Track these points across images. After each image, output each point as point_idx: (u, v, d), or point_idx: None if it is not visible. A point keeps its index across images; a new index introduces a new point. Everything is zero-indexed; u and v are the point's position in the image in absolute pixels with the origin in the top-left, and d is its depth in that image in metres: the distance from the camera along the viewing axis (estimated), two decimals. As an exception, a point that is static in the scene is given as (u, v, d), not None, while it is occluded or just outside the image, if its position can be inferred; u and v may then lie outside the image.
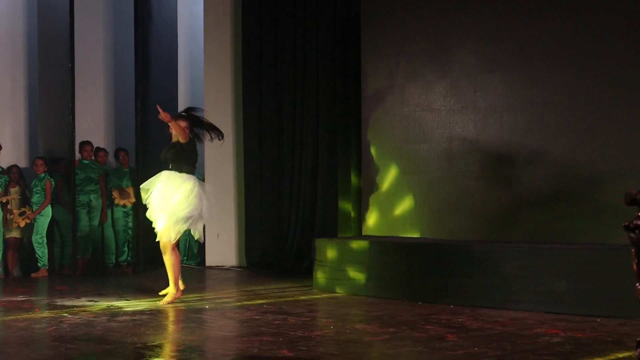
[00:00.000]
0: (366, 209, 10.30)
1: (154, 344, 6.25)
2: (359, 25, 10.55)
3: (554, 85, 8.68)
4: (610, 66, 8.26)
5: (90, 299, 8.82)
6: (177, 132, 8.52)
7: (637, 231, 3.63)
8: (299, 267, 11.36)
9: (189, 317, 7.72)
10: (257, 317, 7.54)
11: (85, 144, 12.09)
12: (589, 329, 6.75)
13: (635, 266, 3.77)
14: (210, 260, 12.72)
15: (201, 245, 13.02)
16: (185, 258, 13.06)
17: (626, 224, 3.66)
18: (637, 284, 3.78)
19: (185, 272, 12.05)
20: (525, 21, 8.88)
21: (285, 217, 11.86)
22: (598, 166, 8.35)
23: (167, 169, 8.76)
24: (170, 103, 12.91)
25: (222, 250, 12.68)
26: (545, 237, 8.52)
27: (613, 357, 5.58)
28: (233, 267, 12.45)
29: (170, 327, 7.00)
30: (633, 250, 3.72)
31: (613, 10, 8.28)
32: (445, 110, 9.47)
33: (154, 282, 10.49)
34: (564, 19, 8.61)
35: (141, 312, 7.90)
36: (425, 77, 9.66)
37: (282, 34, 11.89)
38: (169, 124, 8.56)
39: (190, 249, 13.23)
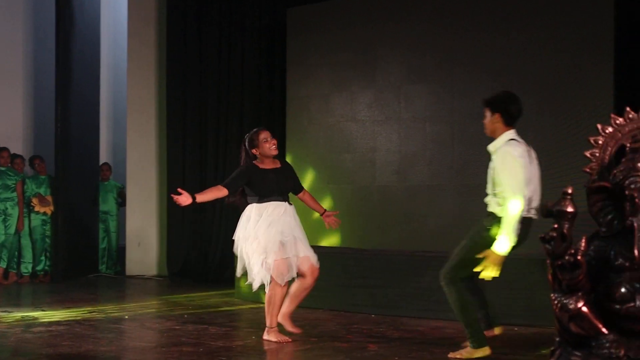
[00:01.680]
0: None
1: (70, 355, 6.10)
2: (285, 34, 10.52)
3: (477, 96, 8.75)
4: (534, 77, 8.38)
5: (4, 309, 8.58)
6: None
7: (552, 243, 3.68)
8: (221, 276, 11.27)
9: (107, 327, 7.56)
10: (177, 327, 7.43)
11: (1, 150, 11.81)
12: (506, 337, 6.81)
13: (550, 277, 3.82)
14: (131, 269, 12.52)
15: (121, 254, 12.84)
16: (103, 267, 12.83)
17: (542, 236, 3.70)
18: (552, 294, 3.82)
19: (105, 281, 11.92)
20: (449, 32, 8.97)
21: (207, 225, 11.75)
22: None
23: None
24: (92, 108, 12.73)
25: (143, 259, 12.50)
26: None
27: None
28: (154, 276, 12.28)
29: (88, 338, 6.84)
30: (548, 261, 3.77)
31: (536, 22, 8.41)
32: (369, 120, 9.50)
33: (72, 292, 10.28)
34: (487, 30, 8.72)
35: (57, 322, 7.71)
36: (349, 88, 9.67)
37: (207, 42, 11.81)
38: None
39: (110, 257, 12.99)
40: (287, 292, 6.87)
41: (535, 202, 5.78)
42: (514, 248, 5.66)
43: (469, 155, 8.81)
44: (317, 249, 9.47)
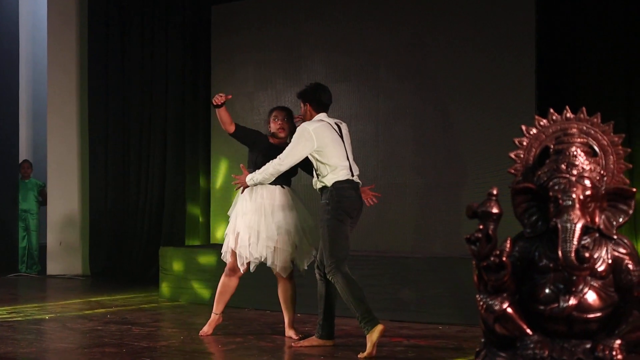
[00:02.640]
0: (214, 217, 10.19)
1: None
2: (209, 31, 10.43)
3: (401, 95, 8.84)
4: (458, 77, 8.47)
5: None
6: None
7: (477, 244, 3.71)
8: (145, 276, 11.13)
9: (27, 328, 7.40)
10: (99, 328, 7.32)
11: None
12: (431, 336, 6.88)
13: (475, 278, 3.86)
14: (52, 268, 12.28)
15: (42, 253, 12.61)
16: (23, 266, 12.57)
17: (467, 236, 3.74)
18: (477, 295, 3.86)
19: (25, 281, 11.68)
20: (373, 32, 9.01)
21: (131, 224, 11.60)
22: (444, 176, 8.54)
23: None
24: (11, 105, 12.47)
25: (65, 259, 12.27)
26: (392, 247, 8.65)
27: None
28: (76, 275, 12.07)
29: (6, 340, 6.69)
30: (474, 262, 3.81)
31: (459, 22, 8.50)
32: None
33: None
34: (412, 30, 8.79)
35: (-24, 323, 7.54)
36: (274, 86, 9.64)
37: (130, 38, 11.66)
38: None
39: (30, 256, 12.73)
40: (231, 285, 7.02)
41: (355, 167, 6.38)
42: (351, 215, 6.22)
43: (394, 154, 8.87)
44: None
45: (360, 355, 5.92)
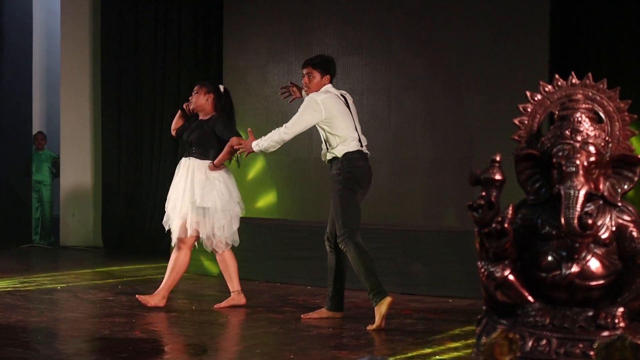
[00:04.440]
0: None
1: (-1, 325, 6.02)
2: (222, 4, 10.38)
3: (414, 68, 8.79)
4: (470, 51, 8.41)
5: None
6: None
7: (480, 211, 3.69)
8: (157, 248, 11.14)
9: (39, 298, 7.45)
10: (110, 298, 7.37)
11: None
12: (441, 309, 6.89)
13: (477, 245, 3.84)
14: (65, 239, 12.33)
15: (55, 224, 12.65)
16: (37, 237, 12.63)
17: (470, 203, 3.71)
18: (479, 262, 3.85)
19: (38, 252, 11.74)
20: (385, 4, 8.94)
21: (143, 197, 11.62)
22: (455, 150, 8.51)
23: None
24: (25, 76, 12.49)
25: (78, 230, 12.32)
26: (402, 220, 8.63)
27: (457, 333, 5.72)
28: (89, 247, 12.11)
29: (17, 309, 6.73)
30: (476, 229, 3.79)
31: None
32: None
33: (3, 262, 10.13)
34: (425, 4, 8.71)
35: (-7, 292, 7.60)
36: (286, 59, 9.60)
37: (143, 10, 11.61)
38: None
39: (43, 227, 12.79)
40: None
41: (363, 139, 6.41)
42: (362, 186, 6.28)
43: (406, 127, 8.84)
44: (253, 220, 9.51)
45: (369, 327, 5.93)
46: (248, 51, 9.90)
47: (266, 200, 9.82)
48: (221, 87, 7.16)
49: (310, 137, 9.28)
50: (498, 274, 3.73)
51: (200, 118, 7.06)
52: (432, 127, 8.69)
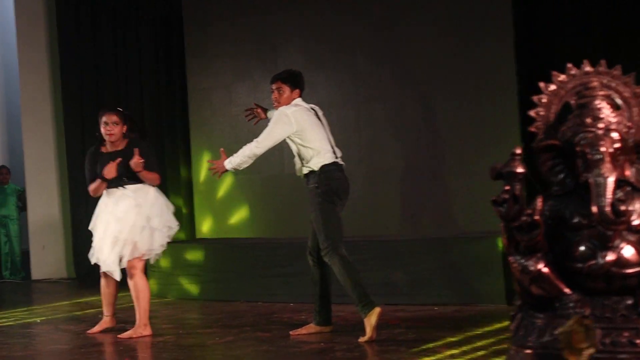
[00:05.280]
0: (199, 210, 10.13)
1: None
2: (182, 25, 10.34)
3: (380, 80, 8.82)
4: (434, 59, 8.46)
5: None
6: None
7: (505, 205, 3.64)
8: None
9: (19, 332, 7.34)
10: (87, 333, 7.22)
11: None
12: (428, 317, 6.90)
13: (505, 240, 3.78)
14: (37, 273, 12.17)
15: (25, 258, 12.49)
16: (7, 273, 12.44)
17: (494, 198, 3.66)
18: (510, 257, 3.79)
19: (10, 287, 11.57)
20: (348, 18, 8.96)
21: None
22: (427, 159, 8.55)
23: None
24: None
25: (49, 262, 12.17)
26: (379, 231, 8.64)
27: (452, 340, 5.72)
28: (61, 279, 11.97)
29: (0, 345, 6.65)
30: (502, 224, 3.72)
31: (437, 7, 8.48)
32: (273, 109, 9.42)
33: None
34: (387, 14, 8.75)
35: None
36: (252, 77, 9.59)
37: (101, 37, 11.51)
38: None
39: (13, 262, 12.59)
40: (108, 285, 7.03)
41: (338, 150, 6.45)
42: (340, 197, 6.34)
43: (376, 139, 8.86)
44: (227, 240, 9.49)
45: (361, 340, 5.92)
46: (212, 71, 9.87)
47: (239, 219, 9.78)
48: (123, 111, 7.05)
49: (282, 153, 9.25)
50: (532, 268, 3.68)
51: (111, 149, 6.87)
52: (403, 137, 8.71)
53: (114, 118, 6.84)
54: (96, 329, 7.03)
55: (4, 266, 12.47)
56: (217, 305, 8.37)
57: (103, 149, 6.93)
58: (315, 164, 6.22)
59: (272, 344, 6.12)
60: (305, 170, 6.28)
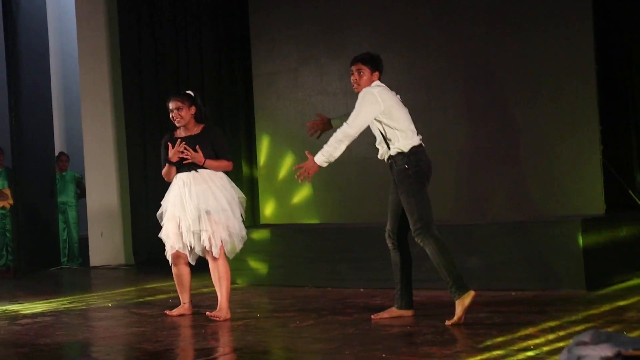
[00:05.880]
0: (262, 195, 10.09)
1: (70, 343, 5.91)
2: (246, 8, 10.29)
3: (450, 63, 8.71)
4: (510, 46, 8.32)
5: (-21, 305, 8.28)
6: None
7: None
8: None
9: (96, 316, 7.36)
10: (163, 313, 7.19)
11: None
12: (508, 302, 6.80)
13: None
14: (95, 259, 12.22)
15: (82, 245, 12.55)
16: (65, 259, 12.51)
17: None
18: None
19: (69, 273, 11.62)
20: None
21: (174, 211, 11.50)
22: (498, 142, 8.42)
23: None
24: (44, 97, 12.40)
25: (107, 249, 12.21)
26: (452, 216, 8.52)
27: (545, 327, 5.61)
28: (120, 265, 12.01)
29: (81, 327, 6.63)
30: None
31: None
32: (341, 92, 9.37)
33: (40, 284, 10.15)
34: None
35: (41, 314, 7.46)
36: (318, 60, 9.51)
37: (162, 19, 11.54)
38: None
39: (71, 249, 12.65)
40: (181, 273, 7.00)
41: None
42: (428, 180, 6.18)
43: (447, 121, 8.76)
44: (295, 226, 9.42)
45: (448, 323, 5.84)
46: (277, 55, 9.81)
47: (302, 203, 9.73)
48: (191, 93, 6.89)
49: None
50: None
51: (186, 134, 6.80)
52: (475, 120, 8.59)
53: (176, 103, 6.76)
54: (175, 312, 7.02)
55: (62, 252, 12.54)
56: (286, 291, 8.32)
57: (176, 134, 6.87)
58: (404, 146, 6.10)
59: (357, 326, 6.03)
60: (394, 152, 6.14)
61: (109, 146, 12.13)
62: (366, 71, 6.26)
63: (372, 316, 6.32)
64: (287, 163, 9.78)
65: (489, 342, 5.18)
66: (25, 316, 7.35)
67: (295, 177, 6.25)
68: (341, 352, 5.17)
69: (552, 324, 5.70)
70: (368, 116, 6.10)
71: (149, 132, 11.74)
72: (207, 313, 6.68)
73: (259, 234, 9.07)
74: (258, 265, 8.96)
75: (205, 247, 6.70)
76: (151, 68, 11.67)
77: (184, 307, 7.06)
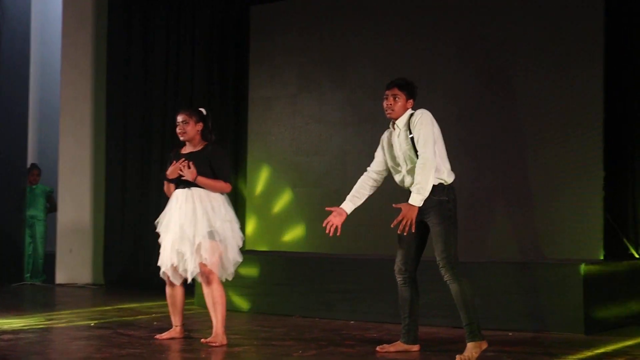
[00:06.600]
0: (250, 222, 9.88)
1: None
2: (246, 30, 10.15)
3: (458, 96, 8.63)
4: (518, 83, 8.28)
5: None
6: None
7: None
8: (163, 285, 10.73)
9: (81, 335, 7.06)
10: (154, 333, 6.94)
11: None
12: (510, 342, 6.69)
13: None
14: (61, 277, 11.86)
15: (48, 261, 12.17)
16: (28, 275, 12.11)
17: None
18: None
19: (35, 290, 11.24)
20: (427, 28, 8.78)
21: (151, 231, 11.20)
22: (503, 179, 8.35)
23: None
24: (20, 108, 12.11)
25: (74, 267, 11.88)
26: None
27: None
28: (87, 284, 11.68)
29: (67, 345, 6.39)
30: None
31: (524, 22, 8.32)
32: (340, 122, 9.25)
33: (13, 299, 9.84)
34: (470, 26, 8.59)
35: (21, 330, 7.13)
36: (319, 88, 9.39)
37: (153, 37, 11.37)
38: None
39: (35, 265, 12.25)
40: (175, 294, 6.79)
41: None
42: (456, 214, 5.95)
43: (450, 158, 8.58)
44: (284, 254, 9.23)
45: (459, 358, 5.72)
46: (276, 81, 9.66)
47: (295, 234, 9.55)
48: (204, 111, 6.75)
49: (344, 167, 9.11)
50: None
51: (189, 149, 6.66)
52: (480, 158, 8.49)
53: (183, 116, 6.64)
54: (165, 335, 6.79)
55: (26, 268, 12.14)
56: (273, 319, 8.13)
57: (182, 150, 6.69)
58: (448, 177, 5.94)
59: (364, 359, 5.87)
60: (436, 182, 5.90)
61: (86, 161, 11.86)
62: (402, 97, 6.08)
63: (377, 348, 6.17)
64: (276, 188, 9.62)
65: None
66: (5, 332, 7.00)
67: (398, 232, 5.92)
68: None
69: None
70: (432, 135, 5.89)
71: (130, 151, 11.51)
72: (203, 340, 6.45)
73: (245, 261, 8.84)
74: (244, 292, 8.75)
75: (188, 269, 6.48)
76: (139, 84, 11.47)
77: (175, 330, 6.83)
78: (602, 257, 7.74)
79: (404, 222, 5.76)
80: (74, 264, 11.89)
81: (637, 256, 8.14)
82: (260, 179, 9.73)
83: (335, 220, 6.09)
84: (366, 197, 6.23)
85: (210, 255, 6.45)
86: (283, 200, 9.57)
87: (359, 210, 8.65)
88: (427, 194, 5.77)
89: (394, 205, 5.87)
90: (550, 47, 8.10)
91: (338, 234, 6.07)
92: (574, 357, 5.94)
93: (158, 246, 10.81)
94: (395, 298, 7.52)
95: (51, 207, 12.32)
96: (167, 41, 11.25)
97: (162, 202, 10.89)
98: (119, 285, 11.37)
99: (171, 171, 6.59)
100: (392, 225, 5.84)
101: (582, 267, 7.12)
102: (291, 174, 9.54)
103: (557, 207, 7.97)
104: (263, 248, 9.66)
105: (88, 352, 6.11)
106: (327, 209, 6.15)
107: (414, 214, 5.74)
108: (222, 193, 6.64)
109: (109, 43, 11.72)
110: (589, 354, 6.01)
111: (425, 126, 5.88)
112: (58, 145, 11.97)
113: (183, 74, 11.09)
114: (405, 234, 5.82)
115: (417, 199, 5.75)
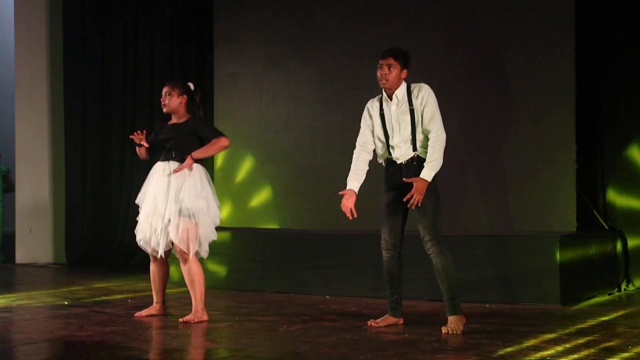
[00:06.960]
0: (219, 200, 9.80)
1: (59, 340, 5.63)
2: (207, 8, 10.07)
3: (428, 73, 8.58)
4: (495, 63, 8.34)
5: None
6: None
7: None
8: (128, 264, 10.73)
9: (60, 313, 6.98)
10: (133, 312, 6.88)
11: None
12: (490, 314, 6.79)
13: None
14: (21, 257, 11.71)
15: (6, 241, 11.98)
16: (-15, 255, 11.91)
17: None
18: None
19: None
20: (400, 5, 8.78)
21: (113, 211, 11.15)
22: (482, 154, 8.42)
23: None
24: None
25: (34, 246, 11.73)
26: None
27: (546, 339, 5.60)
28: (49, 264, 11.55)
29: (48, 324, 6.34)
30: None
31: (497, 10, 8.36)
32: (308, 98, 9.23)
33: None
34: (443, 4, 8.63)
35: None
36: (286, 64, 9.35)
37: (110, 16, 11.22)
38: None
39: (-7, 245, 12.04)
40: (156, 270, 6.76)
41: None
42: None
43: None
44: (256, 231, 9.22)
45: (445, 330, 5.82)
46: (242, 57, 9.60)
47: (264, 210, 9.54)
48: (191, 85, 6.70)
49: (315, 144, 9.11)
50: None
51: (173, 121, 6.63)
52: (452, 135, 8.52)
53: (167, 88, 6.63)
54: (144, 312, 6.75)
55: (-19, 248, 11.94)
56: (247, 295, 8.14)
57: (170, 120, 6.69)
58: (424, 151, 5.96)
59: (355, 333, 5.88)
60: (424, 154, 5.93)
61: (44, 139, 11.71)
62: (397, 67, 5.98)
63: (369, 323, 6.17)
64: (245, 166, 9.59)
65: (501, 352, 5.13)
66: (-19, 311, 6.93)
67: (408, 206, 5.93)
68: (354, 357, 5.03)
69: (551, 336, 5.70)
70: (439, 111, 5.97)
71: (90, 131, 11.37)
72: (180, 319, 6.42)
73: (219, 236, 8.82)
74: (215, 268, 8.73)
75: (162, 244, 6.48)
76: (97, 65, 11.35)
77: (155, 307, 6.80)
78: (575, 230, 7.87)
79: (415, 198, 5.78)
80: (34, 243, 11.76)
81: (606, 227, 8.30)
82: (227, 156, 9.67)
83: (349, 203, 6.06)
84: (366, 171, 6.17)
85: (178, 232, 6.39)
86: (251, 177, 9.55)
87: (332, 185, 8.71)
88: (437, 169, 5.84)
89: (404, 179, 5.88)
90: (522, 27, 8.17)
91: (355, 215, 6.04)
92: (559, 329, 6.01)
93: (120, 224, 10.90)
94: (371, 273, 7.63)
95: (8, 187, 12.11)
96: (125, 18, 11.11)
97: (123, 180, 10.95)
98: (81, 264, 11.27)
99: (139, 151, 6.71)
100: (404, 199, 5.84)
101: (558, 239, 7.24)
102: (260, 150, 9.51)
103: (531, 182, 8.08)
104: (231, 222, 9.63)
105: (71, 330, 6.04)
106: (339, 192, 6.10)
107: (424, 189, 5.79)
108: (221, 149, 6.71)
109: (65, 20, 11.54)
110: (573, 328, 6.07)
111: (432, 103, 5.93)
112: (14, 125, 11.77)
113: (143, 52, 10.96)
114: (413, 207, 5.84)
115: (429, 174, 5.80)
